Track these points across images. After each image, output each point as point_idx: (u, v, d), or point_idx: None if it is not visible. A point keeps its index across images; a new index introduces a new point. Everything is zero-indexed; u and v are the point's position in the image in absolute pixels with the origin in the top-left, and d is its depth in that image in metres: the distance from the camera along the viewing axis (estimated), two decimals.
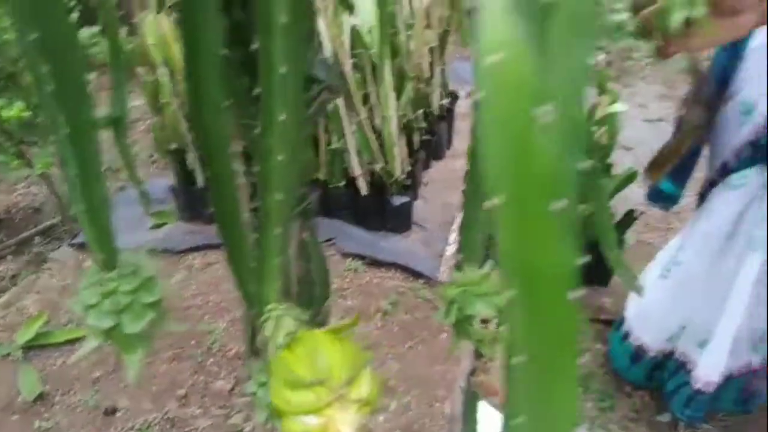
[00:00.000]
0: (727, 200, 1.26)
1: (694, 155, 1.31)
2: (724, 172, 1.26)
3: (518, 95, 0.18)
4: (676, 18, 0.50)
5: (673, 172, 1.33)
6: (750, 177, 1.21)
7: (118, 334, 0.56)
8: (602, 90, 1.82)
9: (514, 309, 0.21)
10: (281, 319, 0.53)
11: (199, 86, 0.47)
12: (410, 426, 1.56)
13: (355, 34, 2.15)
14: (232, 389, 1.61)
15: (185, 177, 2.28)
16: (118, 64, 0.68)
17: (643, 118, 3.26)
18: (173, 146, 2.25)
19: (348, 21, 2.15)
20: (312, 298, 0.91)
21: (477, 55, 0.18)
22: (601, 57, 3.90)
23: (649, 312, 1.57)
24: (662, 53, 0.59)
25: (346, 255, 2.17)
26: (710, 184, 1.31)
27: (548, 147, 0.19)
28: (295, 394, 0.40)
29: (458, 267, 0.65)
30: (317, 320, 0.91)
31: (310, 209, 0.85)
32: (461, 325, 0.73)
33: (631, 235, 2.28)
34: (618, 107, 1.72)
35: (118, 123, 0.71)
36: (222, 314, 1.83)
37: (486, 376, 0.74)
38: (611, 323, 1.89)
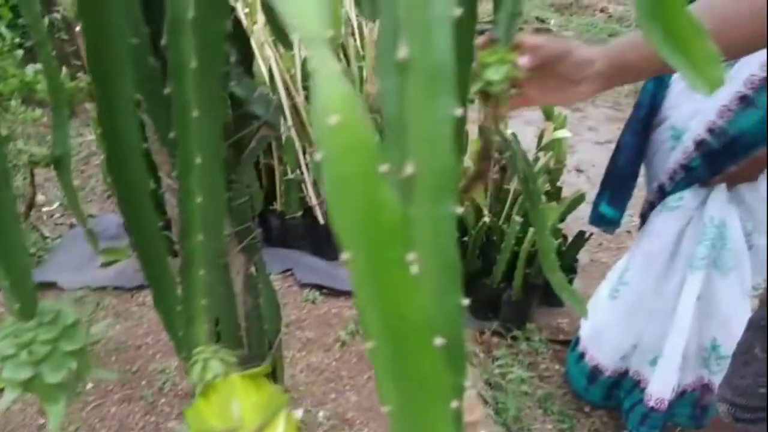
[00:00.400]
0: (665, 221, 1.31)
1: (630, 179, 1.36)
2: (661, 194, 1.30)
3: (360, 153, 0.19)
4: (473, 89, 0.56)
5: (611, 196, 1.37)
6: (686, 198, 1.26)
7: (39, 385, 0.54)
8: (548, 116, 1.87)
9: (377, 360, 0.21)
10: (208, 362, 0.53)
11: (114, 130, 0.47)
12: None
13: (308, 66, 2.16)
14: None
15: None
16: (60, 103, 0.67)
17: (594, 140, 3.36)
18: None
19: (300, 53, 2.17)
20: (262, 333, 0.90)
21: (315, 116, 0.19)
22: None
23: (602, 332, 1.60)
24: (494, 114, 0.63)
25: (304, 285, 2.15)
26: (650, 206, 1.36)
27: (395, 201, 0.20)
28: None
29: None
30: (271, 354, 0.90)
31: (256, 243, 0.84)
32: None
33: (584, 255, 2.33)
34: (564, 133, 1.77)
35: (60, 161, 0.70)
36: (174, 353, 1.78)
37: None
38: (569, 343, 1.92)
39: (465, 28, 0.42)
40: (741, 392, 1.13)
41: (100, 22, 0.42)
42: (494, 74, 0.53)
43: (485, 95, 0.56)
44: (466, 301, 0.27)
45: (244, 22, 2.05)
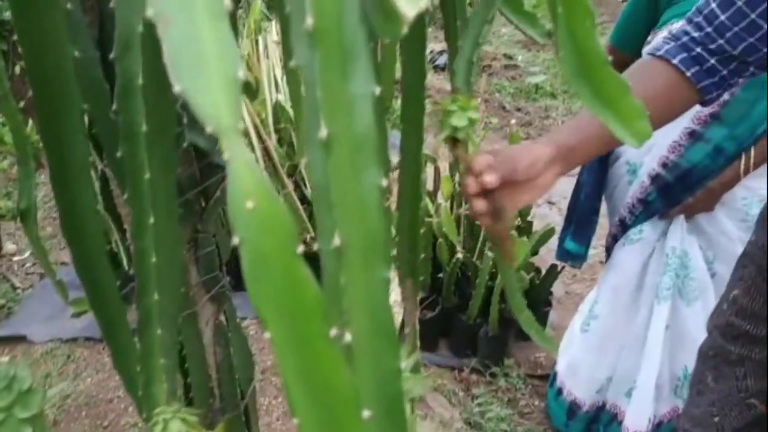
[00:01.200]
0: (629, 254, 1.33)
1: (592, 214, 1.39)
2: (622, 227, 1.34)
3: (277, 234, 0.20)
4: (441, 136, 0.58)
5: (574, 231, 1.40)
6: (646, 231, 1.30)
7: None
8: None
9: None
10: (168, 424, 0.52)
11: (67, 193, 0.47)
12: None
13: (279, 109, 2.19)
14: None
15: (110, 260, 2.20)
16: (25, 156, 0.67)
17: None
18: None
19: (271, 97, 2.20)
20: (234, 382, 0.88)
21: (232, 202, 0.20)
22: (513, 121, 4.12)
23: (577, 366, 1.60)
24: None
25: None
26: (613, 239, 1.39)
27: (313, 278, 0.20)
28: None
29: None
30: (245, 402, 0.88)
31: (225, 292, 0.84)
32: None
33: (559, 287, 2.35)
34: None
35: (25, 214, 0.70)
36: None
37: None
38: (547, 378, 1.91)
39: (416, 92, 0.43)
40: (697, 422, 1.13)
41: (50, 89, 0.43)
42: (459, 121, 0.55)
43: (452, 140, 0.59)
44: (404, 364, 0.28)
45: None
